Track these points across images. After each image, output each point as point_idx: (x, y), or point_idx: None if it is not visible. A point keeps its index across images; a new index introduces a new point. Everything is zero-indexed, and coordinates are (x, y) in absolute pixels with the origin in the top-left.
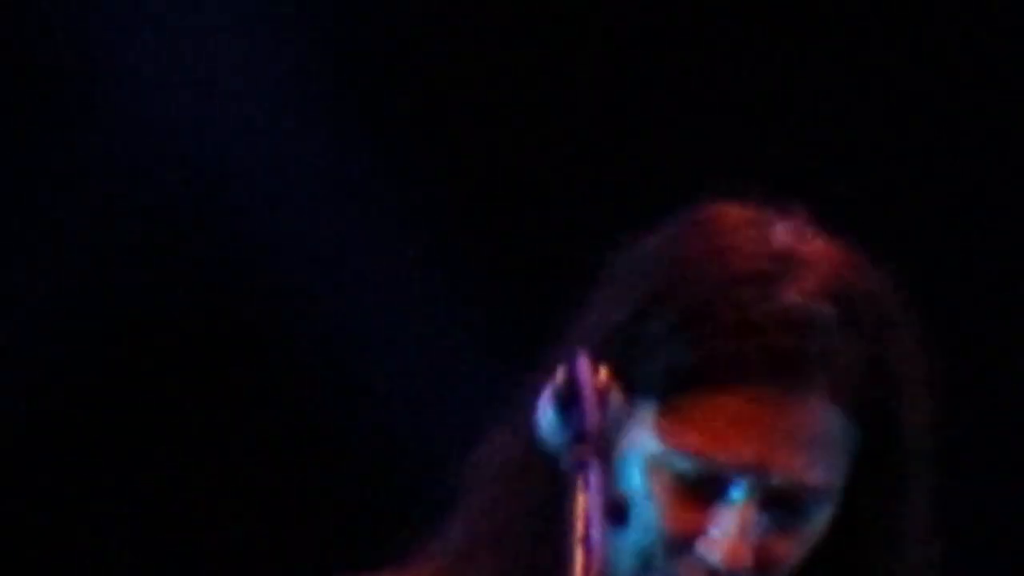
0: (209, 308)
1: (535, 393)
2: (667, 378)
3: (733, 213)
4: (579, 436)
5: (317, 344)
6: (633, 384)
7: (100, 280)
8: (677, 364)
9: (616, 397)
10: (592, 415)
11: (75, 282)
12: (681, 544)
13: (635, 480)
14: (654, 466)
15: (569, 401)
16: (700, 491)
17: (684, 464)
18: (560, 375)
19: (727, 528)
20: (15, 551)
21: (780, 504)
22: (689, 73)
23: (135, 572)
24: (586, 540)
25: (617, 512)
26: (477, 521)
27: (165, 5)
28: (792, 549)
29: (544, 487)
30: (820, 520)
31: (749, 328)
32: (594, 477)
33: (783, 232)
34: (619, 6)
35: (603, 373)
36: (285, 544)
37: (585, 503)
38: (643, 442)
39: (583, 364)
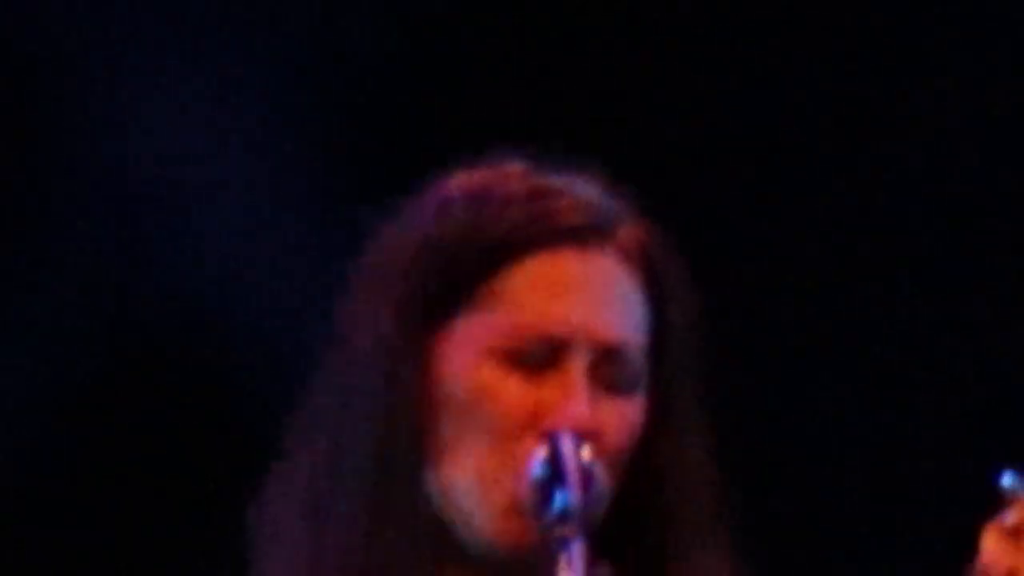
0: None
1: None
2: (470, 273)
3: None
4: (563, 515)
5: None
6: (447, 310)
7: None
8: (473, 256)
9: (600, 472)
10: (577, 493)
11: None
12: (526, 424)
13: (472, 380)
14: (486, 360)
15: (553, 478)
16: (532, 369)
17: (516, 345)
18: (543, 452)
19: (564, 391)
20: None
21: (603, 372)
22: None
23: None
24: None
25: None
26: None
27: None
28: (620, 425)
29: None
30: (637, 399)
31: (530, 196)
32: (577, 556)
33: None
34: None
35: (587, 450)
36: None
37: None
38: (473, 344)
39: (567, 441)
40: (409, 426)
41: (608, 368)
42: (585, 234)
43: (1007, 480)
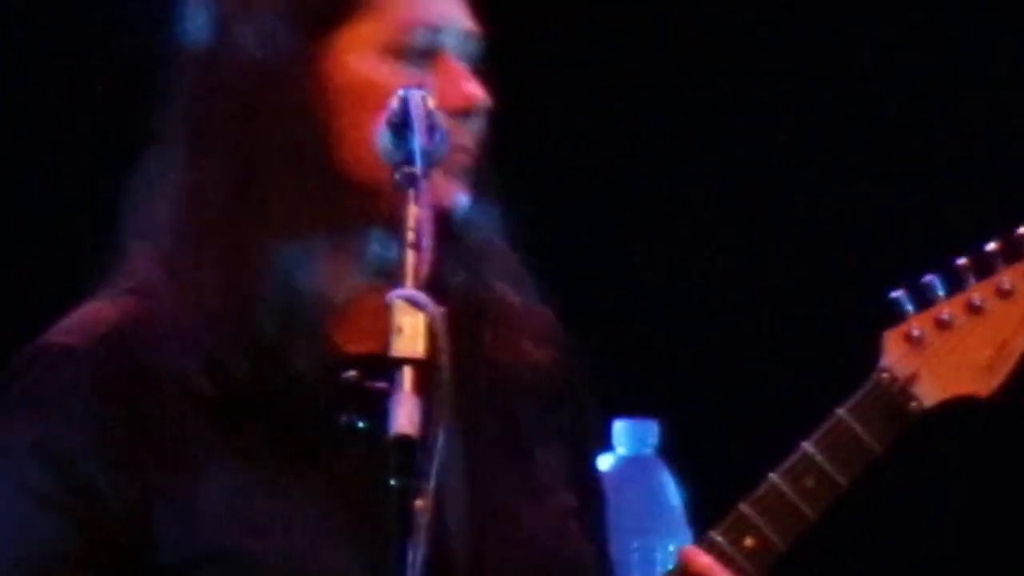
0: None
1: None
2: (339, 5)
3: None
4: (410, 157)
5: None
6: (333, 19)
7: None
8: None
9: (440, 122)
10: (422, 138)
11: None
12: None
13: (369, 76)
14: (378, 56)
15: (401, 126)
16: (415, 61)
17: (402, 39)
18: (394, 103)
19: (458, 72)
20: None
21: (468, 55)
22: None
23: None
24: (417, 246)
25: (443, 222)
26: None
27: None
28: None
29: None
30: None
31: None
32: (423, 192)
33: None
34: None
35: (431, 101)
36: None
37: (416, 214)
38: (364, 45)
39: (415, 94)
40: (316, 123)
41: (471, 50)
42: None
43: (898, 294)
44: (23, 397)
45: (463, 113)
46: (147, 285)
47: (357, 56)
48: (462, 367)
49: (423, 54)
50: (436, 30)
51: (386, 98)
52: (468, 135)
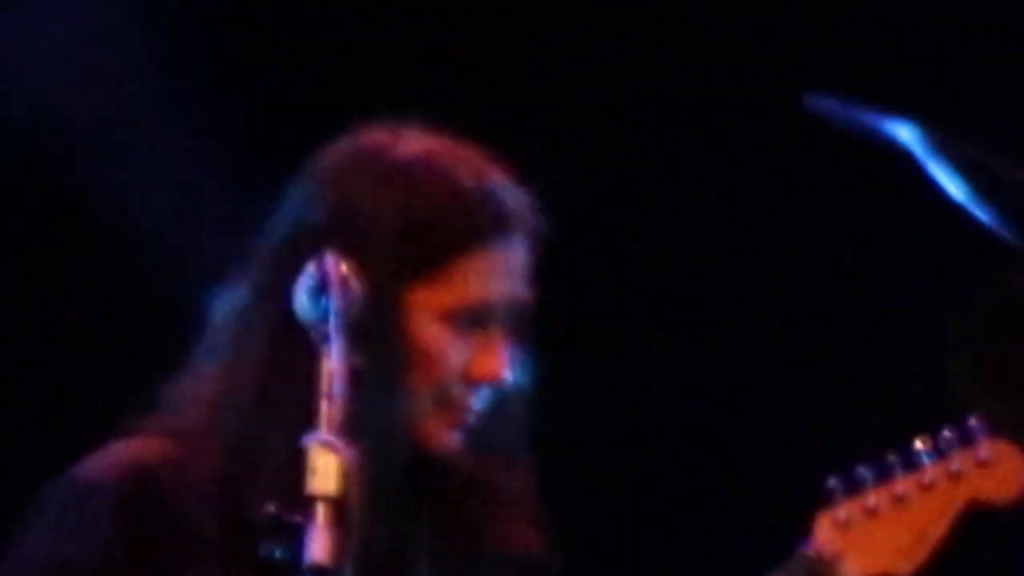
0: None
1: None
2: (440, 254)
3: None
4: (325, 316)
5: None
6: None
7: None
8: (444, 242)
9: (355, 286)
10: (336, 300)
11: None
12: (463, 375)
13: (429, 334)
14: (435, 321)
15: (319, 289)
16: (467, 329)
17: (459, 313)
18: (312, 268)
19: (495, 350)
20: None
21: (515, 321)
22: None
23: None
24: (330, 395)
25: (353, 376)
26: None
27: None
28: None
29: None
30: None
31: (486, 195)
32: (336, 347)
33: (406, 143)
34: None
35: (344, 267)
36: None
37: (329, 367)
38: (428, 308)
39: (330, 260)
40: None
41: (520, 312)
42: (524, 228)
43: (832, 482)
44: (46, 521)
45: (483, 385)
46: (187, 433)
47: (419, 316)
48: (448, 528)
49: (475, 322)
50: (494, 306)
51: (431, 360)
52: (479, 401)
